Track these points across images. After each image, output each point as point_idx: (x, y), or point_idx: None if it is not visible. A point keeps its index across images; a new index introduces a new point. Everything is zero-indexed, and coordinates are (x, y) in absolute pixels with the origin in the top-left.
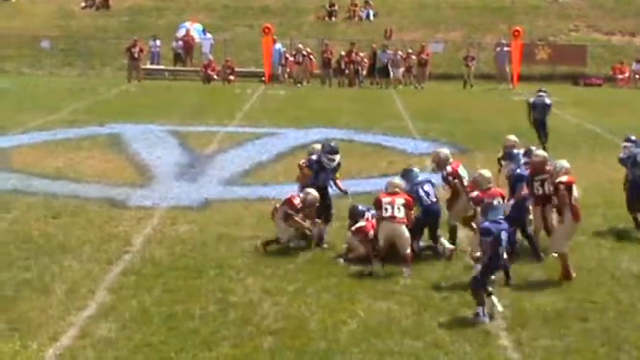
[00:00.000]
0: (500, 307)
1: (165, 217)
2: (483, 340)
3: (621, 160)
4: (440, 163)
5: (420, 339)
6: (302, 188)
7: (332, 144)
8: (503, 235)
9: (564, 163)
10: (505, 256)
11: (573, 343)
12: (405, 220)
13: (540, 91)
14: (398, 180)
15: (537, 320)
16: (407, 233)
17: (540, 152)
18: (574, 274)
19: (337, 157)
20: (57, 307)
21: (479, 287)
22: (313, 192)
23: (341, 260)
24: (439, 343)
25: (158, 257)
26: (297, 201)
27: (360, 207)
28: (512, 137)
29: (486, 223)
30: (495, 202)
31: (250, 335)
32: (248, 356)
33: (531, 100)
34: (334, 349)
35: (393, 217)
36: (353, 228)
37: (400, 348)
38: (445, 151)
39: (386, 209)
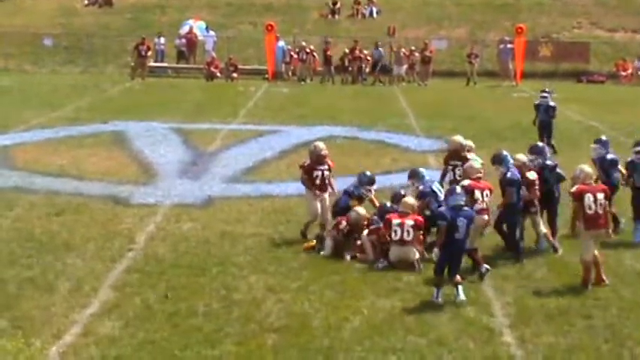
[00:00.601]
0: (462, 297)
1: (168, 214)
2: (487, 337)
3: (592, 161)
4: (460, 150)
5: (424, 336)
6: (307, 187)
7: (368, 174)
8: (460, 222)
9: (585, 168)
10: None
11: (576, 340)
12: (414, 242)
13: (543, 91)
14: (412, 200)
15: (540, 317)
16: (417, 254)
17: (520, 157)
18: (589, 284)
19: (374, 187)
20: (60, 304)
21: (437, 272)
22: (360, 210)
23: (347, 257)
24: (443, 341)
25: (161, 255)
26: (342, 225)
27: (388, 204)
28: (458, 138)
29: (442, 208)
30: (458, 189)
31: (254, 333)
32: (251, 354)
33: (536, 101)
34: (337, 347)
35: (402, 241)
36: (370, 228)
37: (404, 345)
38: (462, 139)
39: (395, 231)
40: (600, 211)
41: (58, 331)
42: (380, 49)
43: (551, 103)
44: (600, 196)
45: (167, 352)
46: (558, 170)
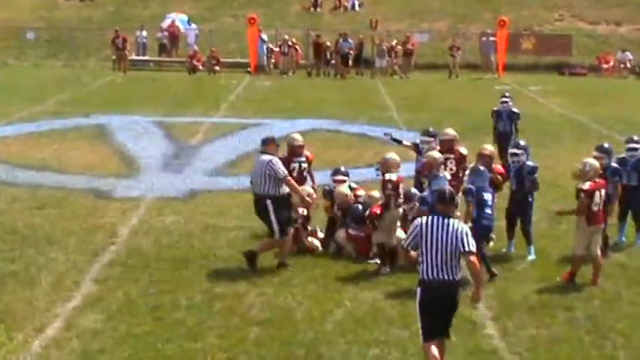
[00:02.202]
0: None
1: (151, 207)
2: (470, 330)
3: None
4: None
5: (407, 328)
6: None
7: (342, 168)
8: None
9: (595, 163)
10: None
11: (559, 332)
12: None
13: (504, 96)
14: (378, 194)
15: (523, 309)
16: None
17: (432, 153)
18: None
19: (346, 178)
20: (42, 298)
21: None
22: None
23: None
24: None
25: (144, 248)
26: (299, 210)
27: (360, 207)
28: (450, 131)
29: (425, 193)
30: (441, 174)
31: (236, 326)
32: (234, 347)
33: (495, 107)
34: (320, 339)
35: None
36: (351, 231)
37: (386, 337)
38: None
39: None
40: (601, 207)
41: (40, 324)
42: (349, 40)
43: (514, 109)
44: (603, 192)
45: (150, 346)
46: (536, 176)
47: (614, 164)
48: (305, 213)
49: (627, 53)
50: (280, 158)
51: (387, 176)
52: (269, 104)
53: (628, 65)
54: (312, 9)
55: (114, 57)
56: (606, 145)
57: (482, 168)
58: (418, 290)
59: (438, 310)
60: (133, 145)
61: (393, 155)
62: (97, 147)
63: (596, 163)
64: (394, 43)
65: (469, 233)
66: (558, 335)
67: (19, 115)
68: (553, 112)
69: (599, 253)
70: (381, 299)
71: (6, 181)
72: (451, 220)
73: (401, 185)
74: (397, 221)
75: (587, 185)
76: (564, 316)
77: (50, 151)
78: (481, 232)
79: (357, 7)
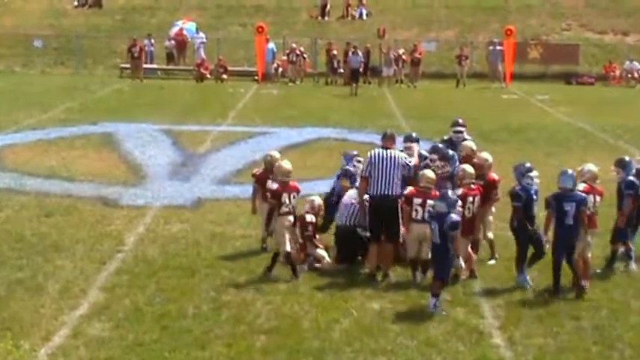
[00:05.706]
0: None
1: (158, 216)
2: (476, 339)
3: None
4: (471, 156)
5: (413, 338)
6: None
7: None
8: (433, 225)
9: (593, 168)
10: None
11: (566, 342)
12: None
13: (457, 124)
14: (431, 174)
15: (530, 319)
16: None
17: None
18: (585, 285)
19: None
20: (49, 306)
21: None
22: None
23: (305, 267)
24: (432, 342)
25: (151, 256)
26: (308, 218)
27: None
28: (469, 143)
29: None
30: (450, 193)
31: (243, 334)
32: (241, 355)
33: (446, 136)
34: (327, 348)
35: (424, 220)
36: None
37: (393, 347)
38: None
39: (416, 210)
40: (594, 211)
41: (47, 332)
42: (359, 53)
43: (468, 137)
44: (598, 199)
45: (157, 354)
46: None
47: (630, 177)
48: (313, 221)
49: (635, 63)
50: (256, 174)
51: (268, 184)
52: (277, 113)
53: (635, 75)
54: (319, 18)
55: (122, 65)
56: (627, 158)
57: (570, 171)
58: (368, 202)
59: (382, 216)
60: (140, 153)
61: (283, 163)
62: (105, 155)
63: (594, 169)
64: (401, 51)
65: (407, 161)
66: (565, 345)
67: (27, 122)
68: (560, 121)
69: (589, 255)
70: (388, 308)
71: (14, 189)
72: (392, 152)
73: (287, 194)
74: (287, 229)
75: (581, 187)
76: (572, 326)
77: (58, 159)
78: (562, 243)
79: (364, 16)
